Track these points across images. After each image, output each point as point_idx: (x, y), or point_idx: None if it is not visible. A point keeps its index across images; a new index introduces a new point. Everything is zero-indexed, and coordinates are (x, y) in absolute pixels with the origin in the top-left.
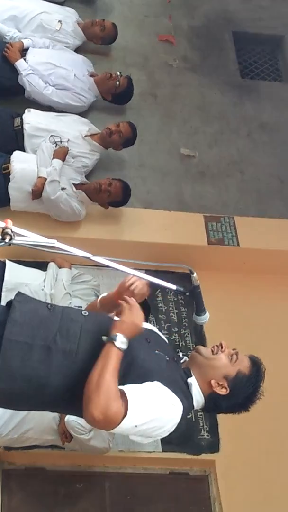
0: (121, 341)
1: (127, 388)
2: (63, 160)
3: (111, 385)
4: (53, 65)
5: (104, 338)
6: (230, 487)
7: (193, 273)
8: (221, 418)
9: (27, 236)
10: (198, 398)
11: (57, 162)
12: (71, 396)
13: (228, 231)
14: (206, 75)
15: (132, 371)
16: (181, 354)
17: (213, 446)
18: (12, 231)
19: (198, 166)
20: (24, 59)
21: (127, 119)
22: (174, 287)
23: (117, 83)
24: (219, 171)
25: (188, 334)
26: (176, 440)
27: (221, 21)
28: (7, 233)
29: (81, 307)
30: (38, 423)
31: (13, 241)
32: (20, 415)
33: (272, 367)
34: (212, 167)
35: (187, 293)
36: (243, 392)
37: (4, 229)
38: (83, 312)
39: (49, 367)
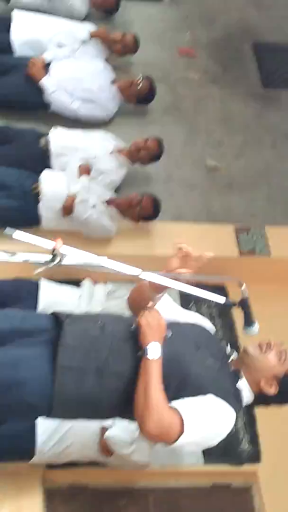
0: (152, 352)
1: (180, 405)
2: (89, 175)
3: (158, 400)
4: (77, 78)
5: (139, 354)
6: (274, 497)
7: (241, 286)
8: (262, 428)
9: (76, 255)
10: (248, 399)
11: (83, 179)
12: (125, 407)
13: (259, 241)
14: (228, 87)
15: (185, 387)
16: (228, 348)
17: (255, 457)
18: (60, 252)
19: (225, 178)
20: (48, 76)
21: (151, 133)
22: (223, 299)
23: (139, 87)
24: (246, 182)
25: (223, 344)
26: (218, 452)
27: (240, 32)
28: (57, 254)
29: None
30: (79, 438)
31: (64, 262)
32: (62, 431)
33: None
34: (239, 178)
35: (236, 305)
36: None
37: (54, 249)
38: (131, 327)
39: (103, 389)
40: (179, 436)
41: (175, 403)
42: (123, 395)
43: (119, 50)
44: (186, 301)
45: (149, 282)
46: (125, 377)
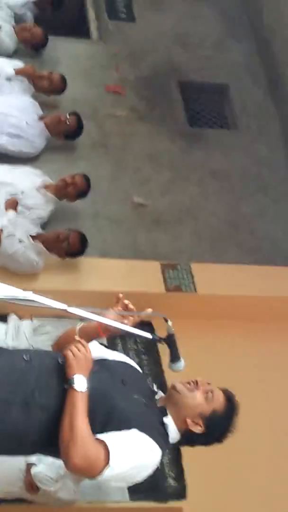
0: (78, 384)
1: (107, 438)
2: (15, 210)
3: (84, 432)
4: (4, 114)
5: (66, 386)
6: None
7: (167, 321)
8: (187, 464)
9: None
10: (173, 436)
11: (10, 214)
12: (51, 441)
13: (185, 277)
14: (154, 124)
15: (111, 421)
16: (155, 387)
17: (180, 493)
18: None
19: (151, 214)
20: None
21: (78, 169)
22: (149, 335)
23: (67, 123)
24: (172, 219)
25: (150, 382)
26: (143, 488)
27: (167, 71)
28: None
29: None
30: (4, 475)
31: None
32: None
33: None
34: (165, 214)
35: (163, 341)
36: (218, 429)
37: None
38: (59, 360)
39: (29, 422)
40: (104, 469)
41: (101, 436)
42: (49, 428)
43: (45, 88)
44: (112, 337)
45: (80, 329)
46: (52, 410)
